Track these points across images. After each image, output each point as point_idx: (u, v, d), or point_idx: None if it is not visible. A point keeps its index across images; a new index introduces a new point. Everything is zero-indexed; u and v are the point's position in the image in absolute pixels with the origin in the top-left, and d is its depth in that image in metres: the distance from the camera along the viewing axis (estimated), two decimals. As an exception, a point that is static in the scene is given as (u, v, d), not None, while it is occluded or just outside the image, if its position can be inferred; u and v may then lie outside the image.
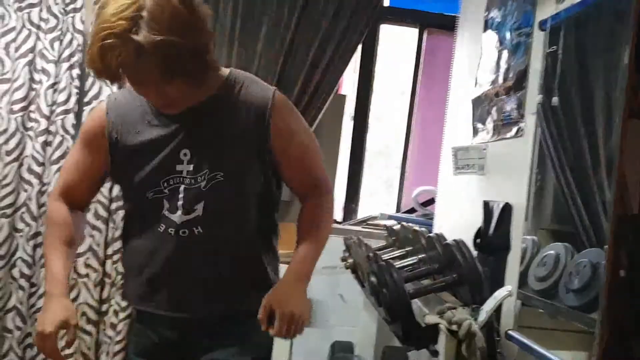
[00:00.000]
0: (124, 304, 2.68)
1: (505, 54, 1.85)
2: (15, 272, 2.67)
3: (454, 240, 1.63)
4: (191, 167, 1.29)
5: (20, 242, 2.67)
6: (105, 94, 2.67)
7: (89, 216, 2.66)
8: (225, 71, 1.35)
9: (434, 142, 2.71)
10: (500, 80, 1.85)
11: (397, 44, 3.26)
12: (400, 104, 3.22)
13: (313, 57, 2.67)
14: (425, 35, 3.18)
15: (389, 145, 3.37)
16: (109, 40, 1.11)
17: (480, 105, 1.99)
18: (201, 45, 1.18)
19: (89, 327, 2.70)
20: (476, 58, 2.08)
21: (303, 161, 1.40)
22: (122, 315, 2.69)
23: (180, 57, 1.14)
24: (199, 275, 1.34)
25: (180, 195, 1.30)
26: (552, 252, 1.40)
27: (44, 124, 2.66)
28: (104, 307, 2.73)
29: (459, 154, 2.12)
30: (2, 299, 2.67)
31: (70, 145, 2.69)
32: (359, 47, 2.84)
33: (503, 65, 1.85)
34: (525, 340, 1.36)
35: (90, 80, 2.69)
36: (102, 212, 2.69)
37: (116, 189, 2.69)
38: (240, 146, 1.31)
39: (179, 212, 1.30)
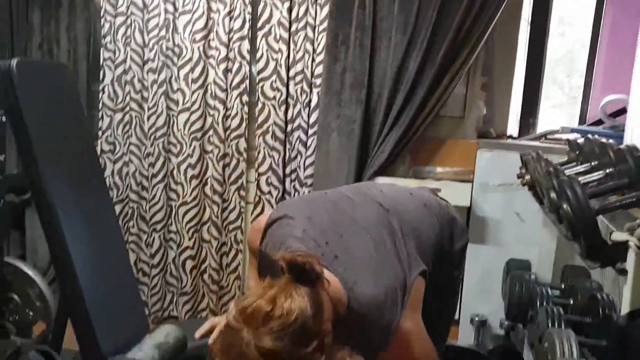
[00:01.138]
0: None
1: None
2: (208, 190, 2.95)
3: (649, 151, 1.47)
4: None
5: (210, 163, 2.93)
6: (276, 19, 2.76)
7: (267, 138, 2.83)
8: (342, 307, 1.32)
9: (625, 45, 2.42)
10: None
11: None
12: (587, 3, 2.90)
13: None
14: None
15: (572, 51, 3.08)
16: None
17: (685, -3, 1.72)
18: None
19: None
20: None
21: None
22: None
23: None
24: None
25: None
26: None
27: (223, 51, 2.83)
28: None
29: (656, 55, 1.88)
30: (198, 214, 2.98)
31: (247, 71, 2.84)
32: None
33: None
34: None
35: (261, 5, 2.78)
36: (279, 134, 2.84)
37: (291, 111, 2.81)
38: None
39: None
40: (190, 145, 2.92)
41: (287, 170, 2.87)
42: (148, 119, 2.97)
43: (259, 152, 2.88)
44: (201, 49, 2.84)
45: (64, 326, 2.05)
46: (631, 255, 1.29)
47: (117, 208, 3.03)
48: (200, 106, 2.89)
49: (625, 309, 1.30)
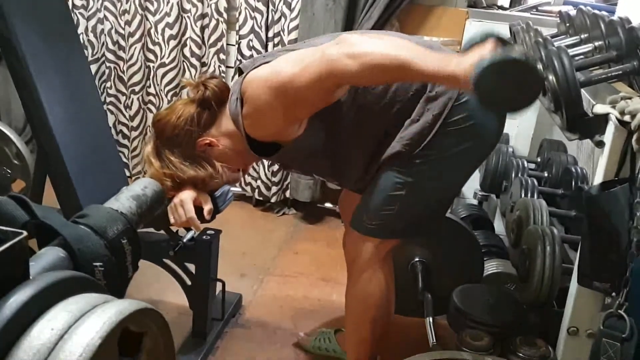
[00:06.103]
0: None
1: None
2: (187, 51, 2.86)
3: (641, 23, 1.43)
4: None
5: (188, 22, 2.81)
6: None
7: (250, -2, 2.70)
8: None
9: None
10: None
11: None
12: None
13: None
14: None
15: None
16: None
17: None
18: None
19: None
20: None
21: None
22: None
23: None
24: None
25: None
26: None
27: None
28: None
29: None
30: (177, 77, 2.91)
31: None
32: None
33: None
34: None
35: None
36: (262, -6, 2.70)
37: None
38: None
39: None
40: (167, 3, 2.79)
41: (270, 34, 2.77)
42: (122, -28, 2.80)
43: (240, 13, 2.75)
44: None
45: (43, 183, 2.06)
46: (610, 128, 1.29)
47: (93, 68, 2.94)
48: (178, -40, 2.72)
49: (598, 180, 1.33)
